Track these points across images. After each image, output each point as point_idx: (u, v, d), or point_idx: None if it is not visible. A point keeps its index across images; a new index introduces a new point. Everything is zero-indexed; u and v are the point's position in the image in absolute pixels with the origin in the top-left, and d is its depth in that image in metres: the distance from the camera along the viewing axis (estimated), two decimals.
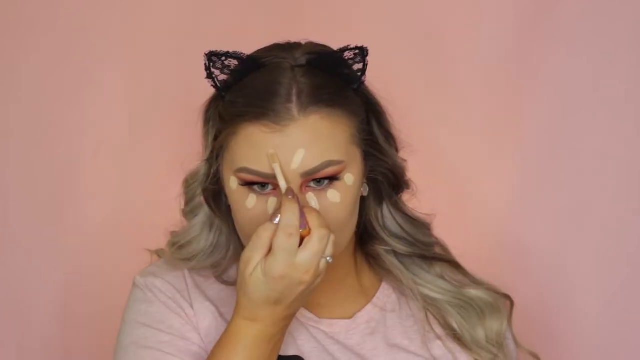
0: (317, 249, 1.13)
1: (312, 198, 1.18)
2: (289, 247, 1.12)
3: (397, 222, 1.31)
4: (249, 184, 1.19)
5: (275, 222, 1.14)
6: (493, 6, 1.81)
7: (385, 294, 1.33)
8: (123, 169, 1.81)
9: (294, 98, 1.17)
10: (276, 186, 1.18)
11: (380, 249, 1.32)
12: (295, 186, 1.17)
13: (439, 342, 1.30)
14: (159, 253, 1.35)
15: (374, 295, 1.32)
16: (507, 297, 1.36)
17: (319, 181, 1.19)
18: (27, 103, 1.80)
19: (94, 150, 1.80)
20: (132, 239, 1.71)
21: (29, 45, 1.79)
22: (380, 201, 1.30)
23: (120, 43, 1.81)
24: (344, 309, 1.30)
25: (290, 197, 1.14)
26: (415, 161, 1.33)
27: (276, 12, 1.82)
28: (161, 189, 1.74)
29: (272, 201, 1.18)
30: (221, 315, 1.27)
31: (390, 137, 1.27)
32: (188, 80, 1.80)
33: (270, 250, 1.14)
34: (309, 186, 1.18)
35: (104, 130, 1.81)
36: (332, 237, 1.14)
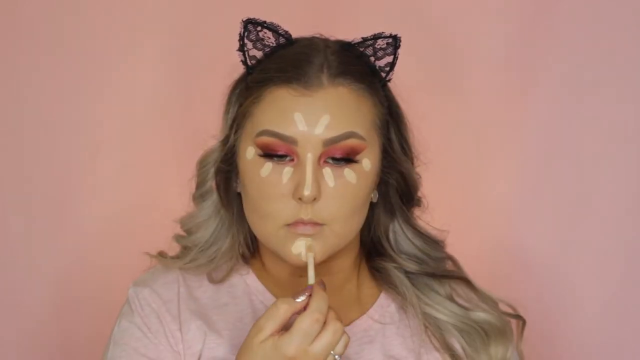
0: (331, 341, 1.13)
1: (328, 173, 1.19)
2: (310, 332, 1.12)
3: (408, 239, 1.31)
4: (267, 155, 1.19)
5: (297, 300, 1.14)
6: (493, 7, 1.81)
7: (382, 305, 1.32)
8: (123, 169, 1.81)
9: (325, 70, 1.20)
10: (294, 156, 1.18)
11: (389, 265, 1.31)
12: (316, 154, 1.18)
13: (437, 354, 1.29)
14: (160, 254, 1.34)
15: (371, 306, 1.31)
16: (518, 317, 1.35)
17: (337, 160, 1.19)
18: (28, 103, 1.80)
19: (94, 150, 1.80)
20: (132, 238, 1.71)
21: (29, 45, 1.79)
22: (391, 215, 1.30)
23: (120, 43, 1.81)
24: (340, 316, 1.29)
25: (322, 287, 1.15)
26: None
27: (277, 13, 1.82)
28: (161, 188, 1.75)
29: (287, 171, 1.18)
30: (208, 326, 1.26)
31: (406, 147, 1.28)
32: (188, 80, 1.81)
33: (283, 325, 1.14)
34: (327, 162, 1.19)
35: (104, 130, 1.81)
36: (346, 337, 1.14)
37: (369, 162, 1.21)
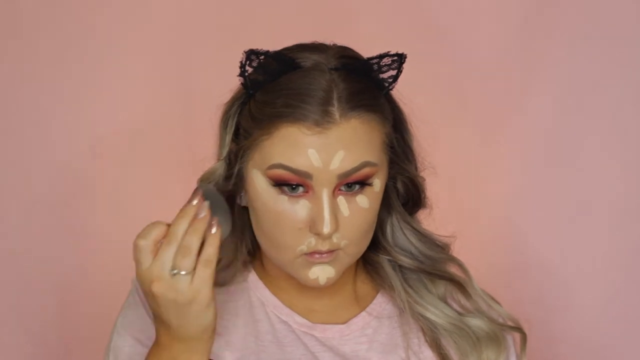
0: (163, 259, 1.10)
1: (342, 203, 1.19)
2: (139, 257, 1.11)
3: (404, 234, 1.30)
4: (279, 185, 1.18)
5: (192, 203, 1.12)
6: (494, 6, 1.81)
7: (380, 302, 1.32)
8: (124, 169, 1.81)
9: (335, 102, 1.17)
10: (308, 188, 1.17)
11: (383, 258, 1.31)
12: (331, 188, 1.17)
13: (430, 352, 1.29)
14: None
15: (368, 304, 1.31)
16: (517, 329, 1.33)
17: (350, 186, 1.19)
18: (28, 102, 1.80)
19: (94, 150, 1.80)
20: (133, 238, 1.71)
21: (29, 45, 1.79)
22: (388, 210, 1.30)
23: (121, 42, 1.81)
24: (337, 316, 1.29)
25: (195, 201, 1.13)
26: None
27: (277, 13, 1.82)
28: (162, 188, 1.75)
29: (302, 205, 1.18)
30: None
31: (410, 153, 1.28)
32: (189, 80, 1.82)
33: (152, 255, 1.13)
34: (341, 190, 1.18)
35: (104, 129, 1.81)
36: (186, 251, 1.11)
37: (379, 182, 1.21)
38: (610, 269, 1.80)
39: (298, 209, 1.18)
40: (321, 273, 1.20)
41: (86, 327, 1.77)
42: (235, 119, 1.23)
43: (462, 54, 1.82)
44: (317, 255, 1.19)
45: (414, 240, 1.31)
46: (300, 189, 1.18)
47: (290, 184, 1.17)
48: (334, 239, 1.18)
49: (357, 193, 1.19)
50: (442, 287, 1.31)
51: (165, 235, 1.12)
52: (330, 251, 1.19)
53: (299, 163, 1.16)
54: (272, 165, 1.17)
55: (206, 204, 1.13)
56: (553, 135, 1.82)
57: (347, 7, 1.83)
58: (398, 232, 1.31)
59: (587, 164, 1.81)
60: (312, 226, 1.17)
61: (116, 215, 1.81)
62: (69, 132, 1.81)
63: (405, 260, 1.30)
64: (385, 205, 1.28)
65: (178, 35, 1.82)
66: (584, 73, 1.80)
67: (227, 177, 1.23)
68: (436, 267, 1.31)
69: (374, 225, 1.24)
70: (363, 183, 1.19)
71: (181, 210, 1.13)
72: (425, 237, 1.31)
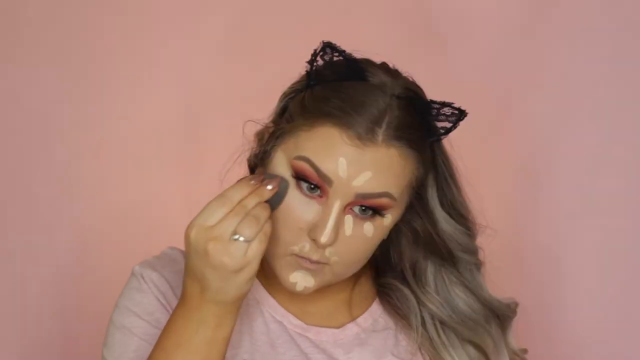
0: (230, 222, 1.12)
1: (349, 222, 1.19)
2: (211, 213, 1.12)
3: (454, 291, 1.31)
4: (299, 179, 1.18)
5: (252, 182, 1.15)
6: (494, 6, 1.82)
7: (373, 312, 1.32)
8: (124, 169, 1.81)
9: (384, 125, 1.18)
10: (324, 194, 1.17)
11: (406, 292, 1.30)
12: (344, 202, 1.17)
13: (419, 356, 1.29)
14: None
15: (364, 311, 1.31)
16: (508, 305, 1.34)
17: (364, 210, 1.19)
18: (28, 101, 1.80)
19: (95, 150, 1.80)
20: (133, 238, 1.71)
21: (30, 43, 1.80)
22: (433, 259, 1.29)
23: (121, 40, 1.81)
24: (332, 319, 1.30)
25: (271, 186, 1.15)
26: None
27: (277, 12, 1.82)
28: (162, 187, 1.75)
29: (312, 208, 1.18)
30: None
31: (448, 204, 1.27)
32: (189, 79, 1.82)
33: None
34: (352, 210, 1.19)
35: (105, 129, 1.81)
36: (252, 220, 1.12)
37: (390, 217, 1.21)
38: (611, 268, 1.80)
39: (307, 209, 1.18)
40: (301, 280, 1.20)
41: (86, 326, 1.77)
42: (284, 102, 1.24)
43: (461, 54, 1.83)
44: (305, 261, 1.19)
45: (465, 297, 1.31)
46: (317, 191, 1.18)
47: (310, 182, 1.18)
48: (326, 252, 1.19)
49: (366, 219, 1.19)
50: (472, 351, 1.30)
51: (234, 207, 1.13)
52: (318, 262, 1.19)
53: (325, 166, 1.17)
54: (299, 156, 1.18)
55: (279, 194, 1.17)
56: (552, 135, 1.82)
57: (347, 7, 1.83)
58: (443, 285, 1.30)
59: (587, 163, 1.81)
60: (312, 230, 1.17)
61: (116, 215, 1.81)
62: (69, 133, 1.81)
63: (436, 311, 1.30)
64: (413, 239, 1.28)
65: (180, 38, 1.82)
66: (583, 73, 1.80)
67: (256, 154, 1.24)
68: (472, 329, 1.30)
69: (369, 255, 1.24)
70: (376, 211, 1.19)
71: (255, 191, 1.14)
72: (471, 293, 1.31)
